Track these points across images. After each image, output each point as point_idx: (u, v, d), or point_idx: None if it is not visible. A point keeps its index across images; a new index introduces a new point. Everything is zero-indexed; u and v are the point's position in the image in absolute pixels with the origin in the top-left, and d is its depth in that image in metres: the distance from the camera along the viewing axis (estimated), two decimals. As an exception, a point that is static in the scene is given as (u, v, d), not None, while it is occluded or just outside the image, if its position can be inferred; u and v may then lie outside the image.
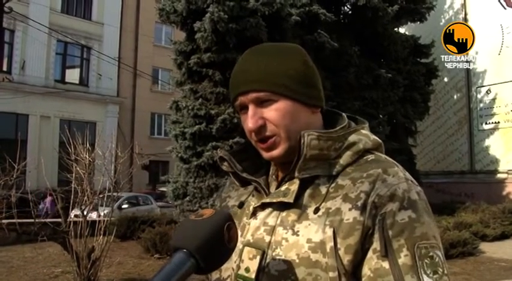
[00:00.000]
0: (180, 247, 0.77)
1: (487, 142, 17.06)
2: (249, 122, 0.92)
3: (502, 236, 11.31)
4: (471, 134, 17.58)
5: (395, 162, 0.94)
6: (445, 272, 0.84)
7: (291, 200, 0.90)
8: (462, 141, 17.92)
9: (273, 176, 1.01)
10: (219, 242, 0.78)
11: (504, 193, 15.87)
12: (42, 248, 8.53)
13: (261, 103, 0.93)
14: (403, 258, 0.82)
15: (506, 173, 16.26)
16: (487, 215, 12.15)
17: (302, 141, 0.90)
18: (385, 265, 0.83)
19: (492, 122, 16.93)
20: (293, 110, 0.93)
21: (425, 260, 0.83)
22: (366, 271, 0.84)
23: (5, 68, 20.24)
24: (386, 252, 0.83)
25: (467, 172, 17.58)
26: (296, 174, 0.91)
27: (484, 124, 17.18)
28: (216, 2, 9.44)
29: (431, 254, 0.83)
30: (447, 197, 15.79)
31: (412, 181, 0.90)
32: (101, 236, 6.02)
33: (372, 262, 0.84)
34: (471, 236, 9.45)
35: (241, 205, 1.02)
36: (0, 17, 13.82)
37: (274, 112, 0.92)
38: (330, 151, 0.93)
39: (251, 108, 0.93)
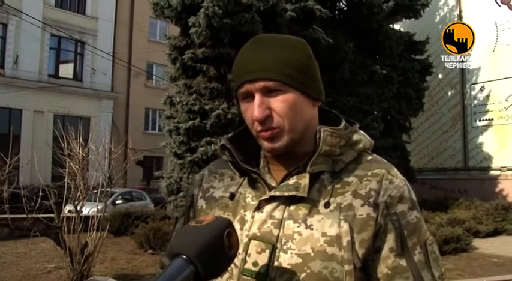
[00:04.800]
0: (179, 252, 0.75)
1: (481, 139, 17.13)
2: (255, 111, 0.91)
3: (495, 233, 11.40)
4: (465, 131, 17.65)
5: (388, 162, 1.00)
6: (441, 263, 0.94)
7: (305, 195, 0.91)
8: (456, 138, 17.99)
9: (265, 168, 1.01)
10: (219, 249, 0.77)
11: (497, 189, 15.95)
12: (35, 244, 8.50)
13: (268, 93, 0.92)
14: (418, 255, 0.90)
15: (500, 170, 16.35)
16: (480, 211, 12.23)
17: (318, 136, 0.93)
18: (403, 262, 0.89)
19: (486, 119, 16.99)
20: (299, 102, 0.93)
21: (433, 255, 0.92)
22: (382, 268, 0.90)
23: (-2, 63, 20.13)
24: (403, 250, 0.89)
25: (460, 169, 17.65)
26: (308, 168, 0.92)
27: (477, 121, 17.25)
28: (211, -4, 9.40)
29: (434, 249, 0.93)
30: (441, 193, 15.87)
31: (407, 181, 0.97)
32: (94, 232, 6.01)
33: (389, 260, 0.89)
34: (464, 232, 9.51)
35: (232, 197, 1.00)
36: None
37: (281, 103, 0.92)
38: (336, 148, 0.95)
39: (258, 97, 0.92)
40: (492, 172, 16.60)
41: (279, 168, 0.98)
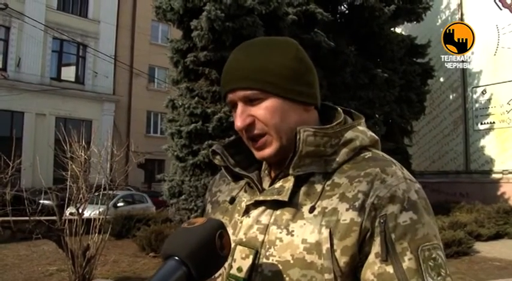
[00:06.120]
0: (171, 254, 0.76)
1: (482, 142, 17.12)
2: (237, 120, 0.91)
3: (497, 236, 11.37)
4: (466, 134, 17.63)
5: (393, 160, 0.92)
6: (448, 272, 0.84)
7: (286, 199, 0.88)
8: (457, 141, 17.98)
9: (266, 171, 0.99)
10: (211, 250, 0.77)
11: (499, 192, 15.92)
12: (37, 246, 8.50)
13: (250, 101, 0.91)
14: (407, 262, 0.81)
15: (501, 173, 16.32)
16: (481, 214, 12.21)
17: (298, 137, 0.88)
18: (389, 269, 0.81)
19: (487, 123, 16.98)
20: (283, 108, 0.90)
21: (429, 263, 0.82)
22: (368, 275, 0.82)
23: (0, 66, 20.18)
24: (388, 256, 0.81)
25: (462, 172, 17.63)
26: (291, 171, 0.89)
27: (479, 124, 17.23)
28: (213, 0, 9.43)
29: (434, 255, 0.83)
30: (442, 196, 15.83)
31: (410, 180, 0.88)
32: (96, 234, 6.01)
33: (375, 266, 0.82)
34: (466, 235, 9.49)
35: (232, 201, 0.99)
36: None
37: (263, 111, 0.90)
38: (326, 148, 0.90)
39: (239, 106, 0.91)
40: (494, 175, 16.57)
41: (277, 171, 0.96)
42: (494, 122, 16.76)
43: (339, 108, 0.99)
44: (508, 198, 15.18)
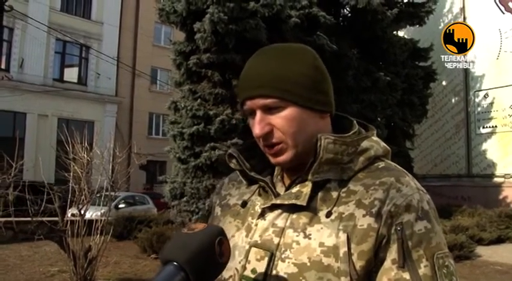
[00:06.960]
0: (169, 259, 0.76)
1: (484, 146, 17.11)
2: (256, 128, 0.91)
3: (498, 240, 11.35)
4: (468, 137, 17.62)
5: (404, 170, 0.95)
6: (457, 280, 0.88)
7: (304, 203, 0.89)
8: (459, 145, 17.96)
9: (278, 177, 1.01)
10: (210, 256, 0.77)
11: (501, 196, 15.90)
12: (39, 247, 8.52)
13: (269, 110, 0.91)
14: (423, 269, 0.84)
15: (503, 177, 16.30)
16: (483, 218, 12.20)
17: (319, 144, 0.89)
18: (406, 275, 0.83)
19: (489, 126, 16.98)
20: (301, 117, 0.92)
21: (443, 270, 0.85)
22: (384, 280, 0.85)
23: (3, 66, 20.26)
24: (405, 263, 0.84)
25: (464, 176, 17.61)
26: (310, 177, 0.91)
27: (481, 128, 17.23)
28: (216, 3, 9.46)
29: (446, 263, 0.87)
30: (444, 200, 15.77)
31: (422, 191, 0.91)
32: (98, 236, 6.01)
33: (392, 272, 0.84)
34: (467, 239, 9.48)
35: (244, 204, 1.01)
36: (0, 16, 13.77)
37: (281, 119, 0.91)
38: (343, 156, 0.92)
39: (258, 114, 0.92)
40: (495, 179, 16.56)
41: (291, 176, 0.98)
42: (496, 126, 16.76)
43: (353, 120, 1.01)
44: (510, 202, 15.16)
